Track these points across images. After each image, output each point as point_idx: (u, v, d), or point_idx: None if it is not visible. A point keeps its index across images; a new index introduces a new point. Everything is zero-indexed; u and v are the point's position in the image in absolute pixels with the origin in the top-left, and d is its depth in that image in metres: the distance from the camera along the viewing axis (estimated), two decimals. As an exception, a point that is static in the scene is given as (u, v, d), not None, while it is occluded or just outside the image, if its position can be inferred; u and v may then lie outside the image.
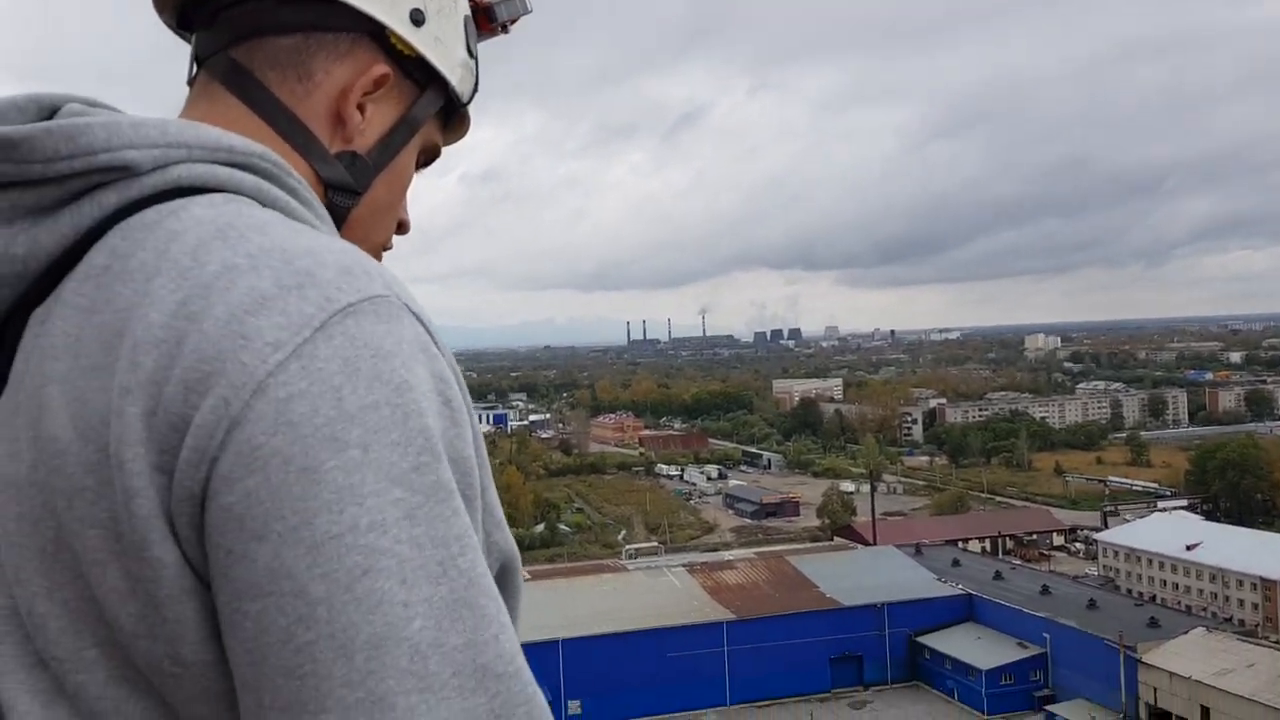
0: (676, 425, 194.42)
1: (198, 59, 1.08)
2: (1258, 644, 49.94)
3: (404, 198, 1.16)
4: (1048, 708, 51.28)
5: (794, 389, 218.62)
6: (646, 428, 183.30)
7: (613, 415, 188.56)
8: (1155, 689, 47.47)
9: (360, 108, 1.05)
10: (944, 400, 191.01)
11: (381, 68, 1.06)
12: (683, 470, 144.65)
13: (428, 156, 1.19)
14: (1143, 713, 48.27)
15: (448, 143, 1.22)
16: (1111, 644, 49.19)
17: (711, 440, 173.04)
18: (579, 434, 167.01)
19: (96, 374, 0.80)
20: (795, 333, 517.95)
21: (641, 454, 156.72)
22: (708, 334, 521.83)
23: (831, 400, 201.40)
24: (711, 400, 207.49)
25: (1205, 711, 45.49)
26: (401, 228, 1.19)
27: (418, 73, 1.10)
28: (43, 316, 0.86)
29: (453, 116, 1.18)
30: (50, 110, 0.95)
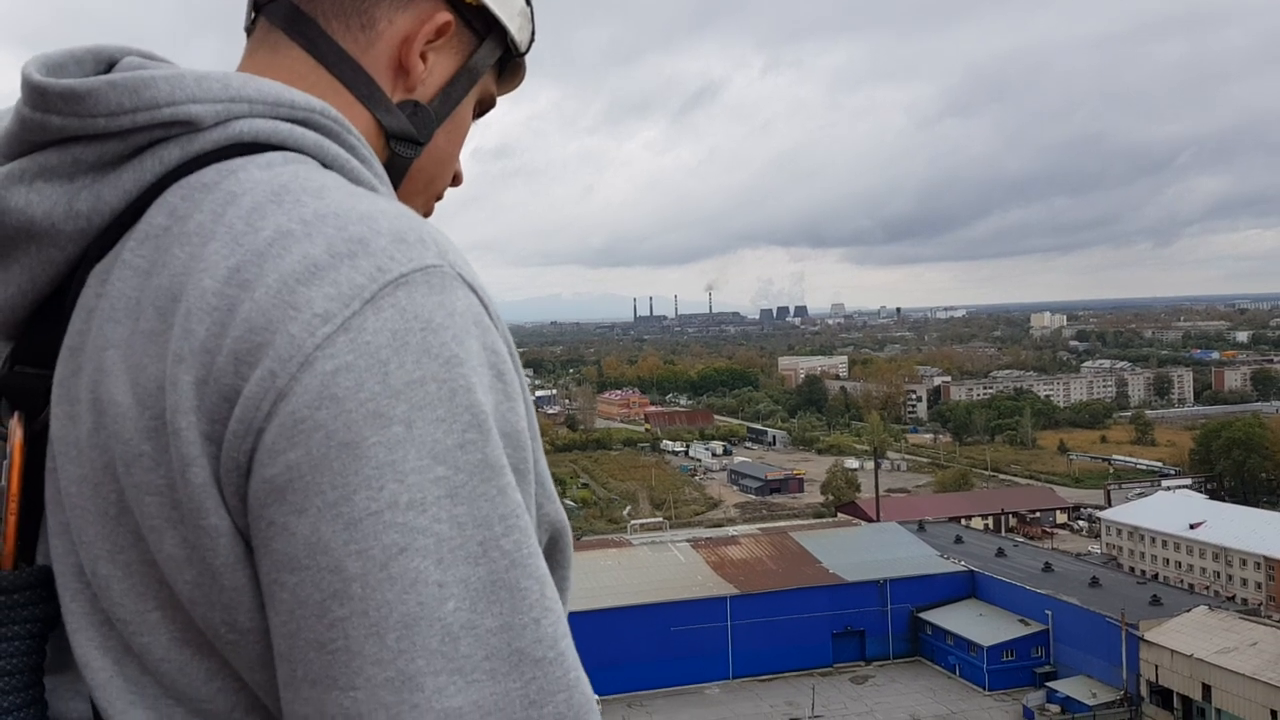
0: (682, 402, 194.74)
1: (256, 6, 1.06)
2: (1260, 623, 50.05)
3: (461, 148, 1.15)
4: (1049, 684, 51.51)
5: (799, 366, 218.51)
6: (652, 404, 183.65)
7: (619, 391, 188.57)
8: (1157, 666, 47.66)
9: (423, 56, 1.04)
10: (949, 378, 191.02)
11: (444, 15, 1.04)
12: (688, 446, 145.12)
13: (484, 107, 1.18)
14: (1144, 690, 48.49)
15: (502, 93, 1.20)
16: (1113, 621, 49.36)
17: (717, 417, 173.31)
18: (585, 410, 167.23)
19: (154, 339, 0.80)
20: (801, 310, 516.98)
21: (647, 430, 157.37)
22: (714, 311, 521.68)
23: (836, 377, 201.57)
24: (717, 377, 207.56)
25: (1206, 689, 45.69)
26: (456, 179, 1.18)
27: (477, 21, 1.08)
28: (103, 275, 0.86)
29: (508, 66, 1.16)
30: (108, 63, 0.94)
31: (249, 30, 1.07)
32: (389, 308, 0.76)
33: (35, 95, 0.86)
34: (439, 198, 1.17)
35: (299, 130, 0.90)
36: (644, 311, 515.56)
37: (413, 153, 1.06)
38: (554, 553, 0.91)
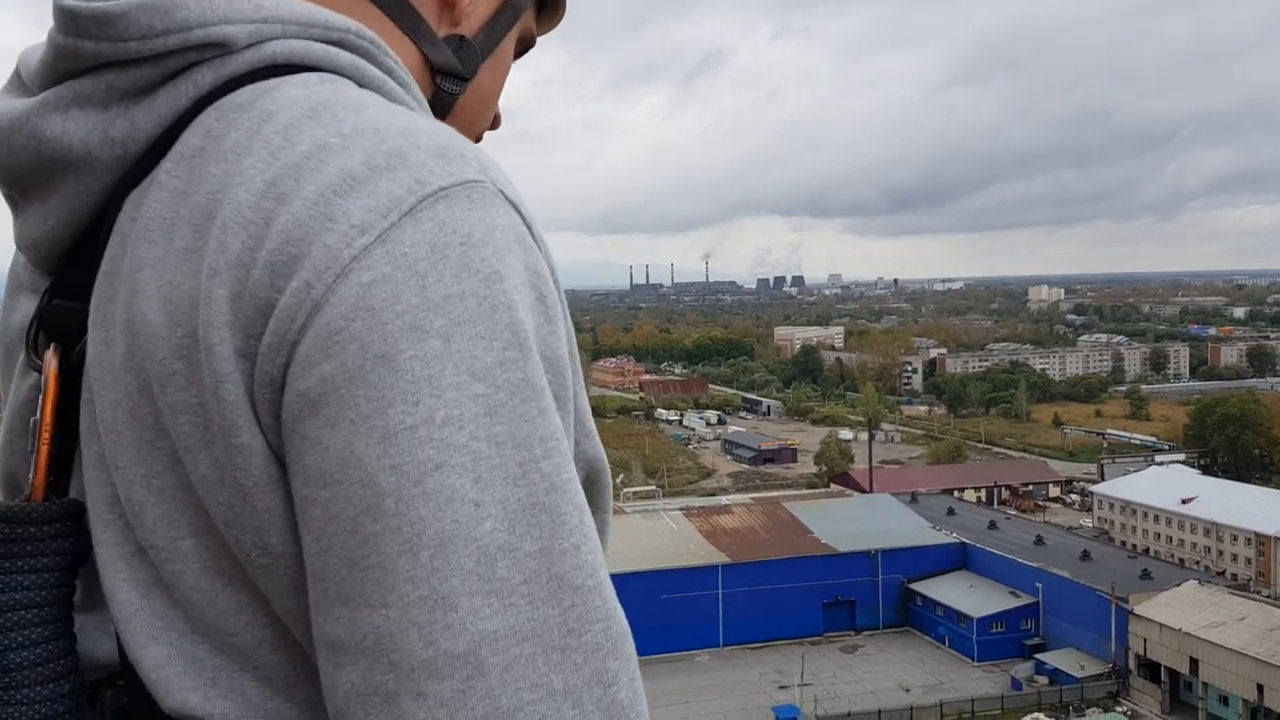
0: (677, 370, 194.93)
1: None
2: (1249, 598, 50.28)
3: (503, 87, 1.14)
4: (1038, 656, 51.82)
5: (795, 336, 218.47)
6: (647, 372, 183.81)
7: (614, 359, 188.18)
8: (1145, 640, 47.85)
9: None
10: (944, 350, 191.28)
11: None
12: (682, 415, 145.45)
13: (524, 45, 1.16)
14: (1132, 663, 48.71)
15: (542, 32, 1.19)
16: (1103, 595, 49.52)
17: (712, 386, 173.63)
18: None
19: (188, 257, 0.79)
20: (798, 280, 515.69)
21: (642, 398, 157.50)
22: (711, 280, 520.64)
23: (832, 348, 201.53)
24: (713, 346, 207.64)
25: (1194, 663, 45.88)
26: (496, 122, 1.16)
27: None
28: (138, 199, 0.86)
29: (547, 3, 1.16)
30: None
31: None
32: (428, 220, 0.74)
33: (67, 20, 0.85)
34: (479, 139, 1.13)
35: (333, 51, 0.88)
36: (640, 279, 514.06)
37: (458, 88, 1.05)
38: (592, 491, 0.88)
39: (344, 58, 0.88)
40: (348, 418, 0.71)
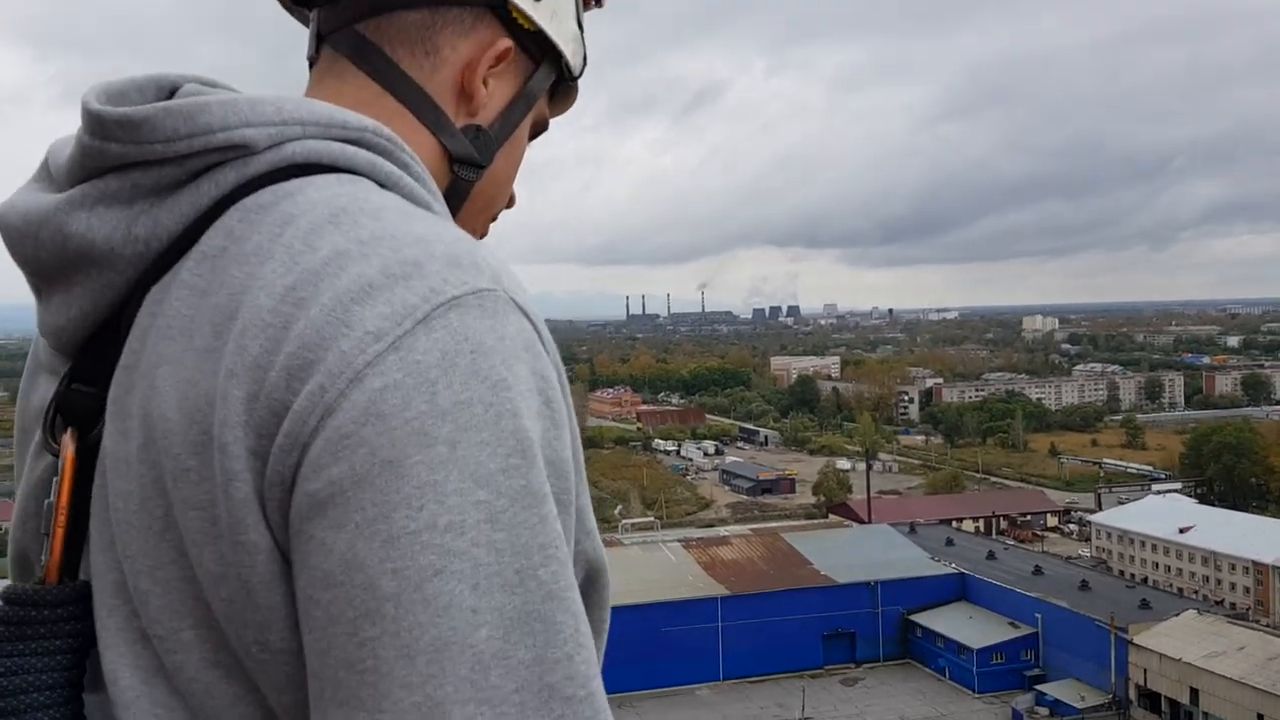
0: (674, 401, 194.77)
1: (319, 35, 1.08)
2: (1249, 627, 50.22)
3: (518, 171, 1.16)
4: (1038, 687, 51.61)
5: (791, 366, 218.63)
6: (644, 403, 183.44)
7: (611, 390, 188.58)
8: (1145, 670, 47.79)
9: (484, 82, 1.06)
10: (941, 380, 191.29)
11: (505, 42, 1.06)
12: (679, 446, 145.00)
13: (538, 129, 1.19)
14: (1132, 693, 48.63)
15: (554, 115, 1.22)
16: (1102, 625, 49.50)
17: (709, 416, 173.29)
18: (577, 408, 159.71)
19: (206, 356, 0.81)
20: (794, 310, 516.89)
21: (639, 429, 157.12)
22: (707, 310, 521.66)
23: (829, 378, 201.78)
24: (709, 376, 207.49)
25: (1194, 693, 45.83)
26: (510, 201, 1.19)
27: (533, 47, 1.10)
28: (159, 296, 0.87)
29: (559, 89, 1.18)
30: (170, 90, 0.96)
31: (312, 61, 1.10)
32: (440, 329, 0.76)
33: (94, 123, 0.88)
34: (494, 219, 1.19)
35: (351, 149, 0.90)
36: (637, 310, 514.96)
37: (475, 176, 1.08)
38: (590, 591, 0.90)
39: (362, 156, 0.90)
40: (353, 520, 0.72)
